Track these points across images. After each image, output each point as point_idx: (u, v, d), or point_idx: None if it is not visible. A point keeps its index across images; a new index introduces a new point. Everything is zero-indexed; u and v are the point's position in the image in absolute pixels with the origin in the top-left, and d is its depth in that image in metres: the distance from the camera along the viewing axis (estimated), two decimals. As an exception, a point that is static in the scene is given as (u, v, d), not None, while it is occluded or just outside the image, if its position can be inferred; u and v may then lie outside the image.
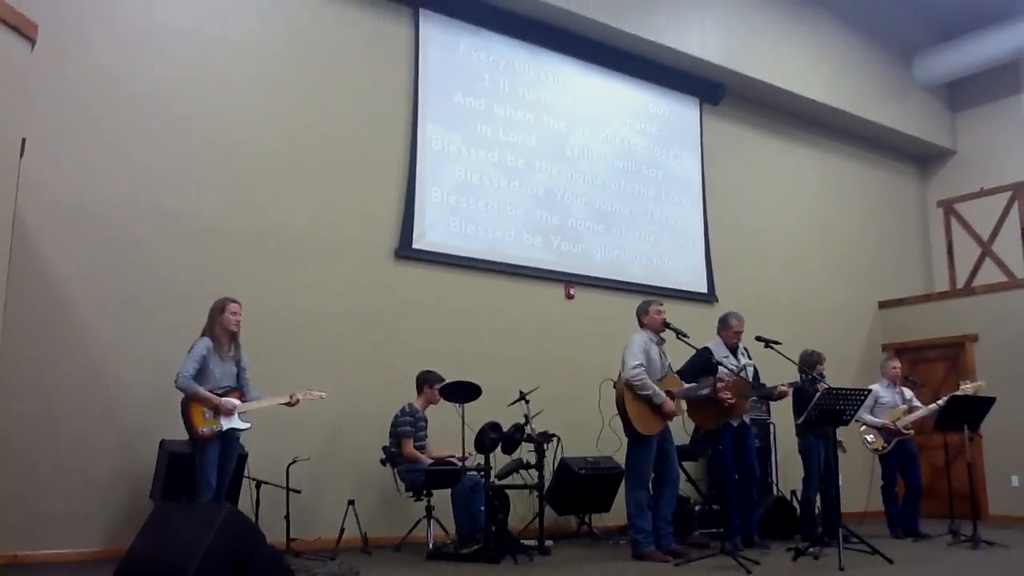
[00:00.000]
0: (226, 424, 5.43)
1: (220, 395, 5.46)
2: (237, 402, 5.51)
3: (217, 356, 5.52)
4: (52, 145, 6.24)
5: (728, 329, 7.08)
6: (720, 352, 6.85)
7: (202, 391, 5.38)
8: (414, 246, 7.78)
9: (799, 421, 6.61)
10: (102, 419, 6.18)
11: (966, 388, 7.73)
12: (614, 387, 6.40)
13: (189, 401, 5.39)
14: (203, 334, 5.56)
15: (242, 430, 5.54)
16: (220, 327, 5.55)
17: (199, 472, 5.36)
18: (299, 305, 7.11)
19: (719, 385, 6.33)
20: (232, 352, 5.62)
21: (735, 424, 6.87)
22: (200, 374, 5.43)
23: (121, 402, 6.26)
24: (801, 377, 7.14)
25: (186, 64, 6.91)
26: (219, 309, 5.58)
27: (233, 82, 7.12)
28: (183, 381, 5.37)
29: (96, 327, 6.27)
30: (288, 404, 5.77)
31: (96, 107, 6.50)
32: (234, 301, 5.63)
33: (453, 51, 8.34)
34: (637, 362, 6.18)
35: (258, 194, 7.08)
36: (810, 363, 7.49)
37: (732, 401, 6.56)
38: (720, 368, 6.40)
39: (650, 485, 6.34)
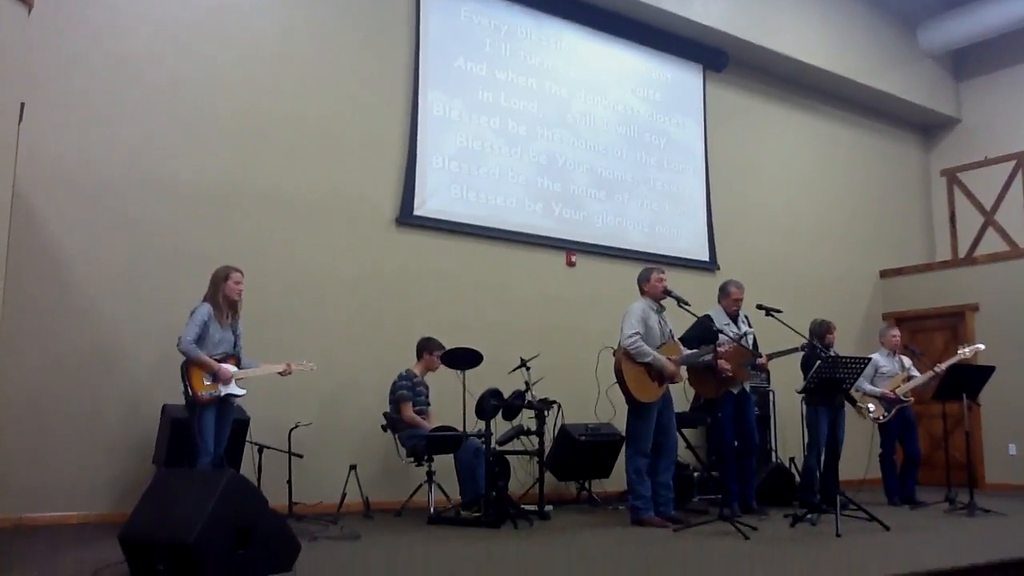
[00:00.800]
0: (224, 390, 5.49)
1: (218, 361, 5.51)
2: (235, 369, 5.58)
3: (217, 323, 5.57)
4: (51, 113, 6.21)
5: (728, 297, 7.09)
6: (720, 320, 6.87)
7: (204, 356, 5.44)
8: (415, 213, 7.76)
9: (799, 389, 6.63)
10: (105, 385, 6.22)
11: (965, 352, 7.75)
12: (613, 355, 6.41)
13: (190, 365, 5.44)
14: (204, 300, 5.59)
15: (239, 396, 5.59)
16: (223, 295, 5.59)
17: (198, 436, 5.41)
18: (300, 272, 7.11)
19: (719, 351, 6.34)
20: (230, 320, 5.66)
21: (735, 392, 6.90)
22: (199, 339, 5.48)
23: (123, 368, 6.29)
24: (803, 345, 7.15)
25: (186, 30, 6.85)
26: (223, 277, 5.61)
27: (234, 48, 7.05)
28: (185, 345, 5.42)
29: (97, 294, 6.28)
30: (282, 373, 5.82)
31: (95, 75, 6.45)
32: (237, 270, 5.67)
33: (454, 16, 8.26)
34: (633, 331, 6.19)
35: (259, 161, 7.05)
36: (819, 333, 7.48)
37: (731, 374, 6.58)
38: (720, 335, 6.41)
39: (650, 452, 6.37)
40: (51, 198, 6.19)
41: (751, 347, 6.98)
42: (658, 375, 6.25)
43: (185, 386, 5.43)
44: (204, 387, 5.43)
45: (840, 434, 7.27)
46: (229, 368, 5.53)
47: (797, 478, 7.93)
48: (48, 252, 6.14)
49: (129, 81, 6.57)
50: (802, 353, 7.24)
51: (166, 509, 3.96)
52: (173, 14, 6.81)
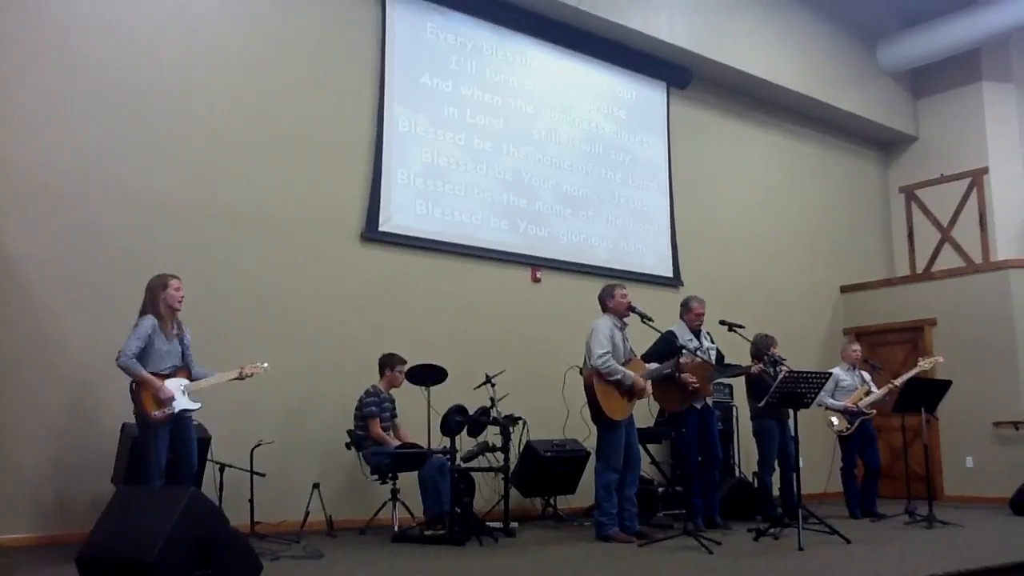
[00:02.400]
0: (177, 406, 5.26)
1: (167, 375, 5.28)
2: (186, 381, 5.33)
3: (163, 335, 5.32)
4: (9, 119, 6.12)
5: (690, 312, 7.15)
6: (683, 335, 6.92)
7: (144, 373, 5.18)
8: (380, 228, 7.74)
9: (760, 404, 6.69)
10: (62, 401, 6.10)
11: (924, 364, 7.90)
12: (581, 374, 6.44)
13: (137, 384, 5.20)
14: (145, 312, 5.34)
15: (193, 410, 5.37)
16: (164, 305, 5.34)
17: (151, 457, 5.18)
18: (264, 287, 7.05)
19: (682, 364, 6.40)
20: (176, 330, 5.42)
21: (698, 407, 6.96)
22: (144, 354, 5.22)
23: (82, 384, 6.17)
24: (764, 360, 7.23)
25: (148, 39, 6.78)
26: (162, 286, 5.36)
27: (197, 59, 7.00)
28: (125, 360, 5.14)
29: (55, 307, 6.17)
30: (238, 378, 5.61)
31: (55, 82, 6.35)
32: (175, 277, 5.43)
33: (420, 32, 8.28)
34: (604, 350, 6.23)
35: (222, 174, 7.00)
36: (764, 345, 7.55)
37: (696, 385, 6.64)
38: (684, 351, 6.47)
39: (621, 468, 6.38)
40: (8, 207, 6.07)
41: (714, 362, 7.04)
42: (627, 392, 6.29)
43: (136, 406, 5.22)
44: (156, 406, 5.19)
45: (789, 447, 7.33)
46: (169, 387, 5.24)
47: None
48: (4, 264, 6.01)
49: (87, 83, 6.45)
50: (752, 370, 7.33)
51: (126, 528, 3.91)
52: (135, 18, 6.72)
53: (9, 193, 6.09)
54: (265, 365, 5.77)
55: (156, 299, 5.36)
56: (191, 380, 5.41)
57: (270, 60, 7.38)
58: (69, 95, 6.41)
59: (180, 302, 5.41)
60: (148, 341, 5.25)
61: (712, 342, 7.21)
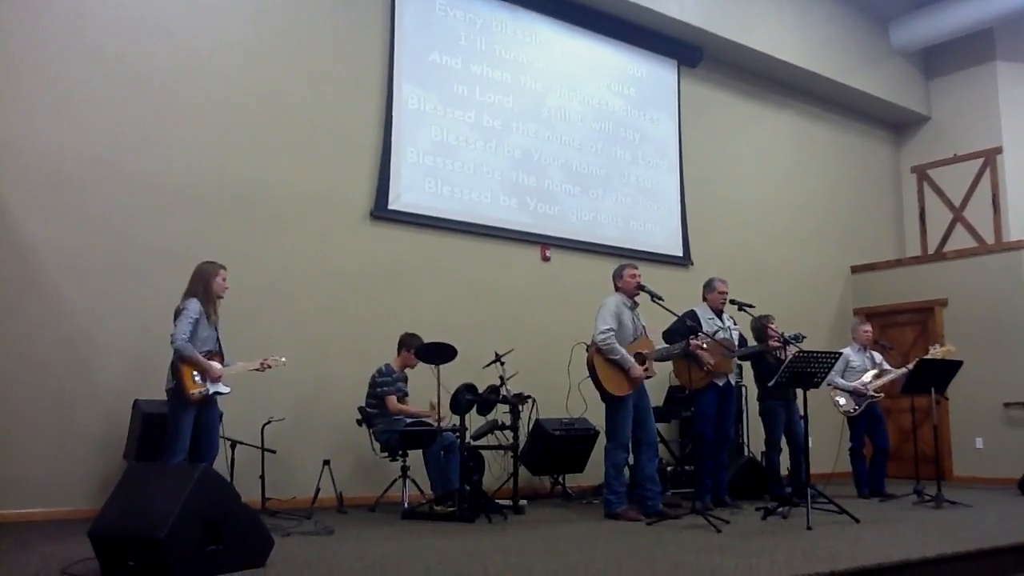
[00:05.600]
0: (213, 388, 5.41)
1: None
2: (220, 366, 5.49)
3: (205, 320, 5.43)
4: (23, 107, 6.14)
5: (713, 291, 7.14)
6: (705, 316, 6.93)
7: (197, 355, 5.33)
8: (390, 207, 7.73)
9: (770, 384, 6.67)
10: (76, 381, 6.14)
11: (935, 352, 7.85)
12: (586, 350, 6.43)
13: (182, 362, 5.31)
14: (190, 295, 5.44)
15: (224, 393, 5.52)
16: (213, 292, 5.47)
17: (176, 435, 5.29)
18: (274, 266, 7.06)
19: (694, 343, 6.38)
20: (214, 317, 5.53)
21: (720, 384, 6.94)
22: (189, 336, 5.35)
23: (94, 364, 6.22)
24: (781, 337, 7.20)
25: (157, 23, 6.76)
26: (212, 274, 5.48)
27: (206, 42, 6.98)
28: (180, 343, 5.27)
29: (69, 290, 6.20)
30: (258, 369, 5.76)
31: (65, 65, 6.36)
32: (223, 267, 5.55)
33: (429, 9, 8.23)
34: (607, 327, 6.21)
35: (232, 155, 6.99)
36: (763, 326, 7.48)
37: (712, 363, 6.62)
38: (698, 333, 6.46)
39: (630, 445, 6.39)
40: (18, 189, 6.09)
41: (735, 342, 7.03)
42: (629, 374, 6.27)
43: (176, 383, 5.30)
44: (194, 386, 5.32)
45: (797, 427, 7.32)
46: (218, 366, 5.45)
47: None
48: (15, 244, 6.04)
49: (99, 72, 6.47)
50: (760, 347, 7.31)
51: (137, 504, 3.92)
52: (145, 9, 6.72)
53: (20, 180, 6.11)
54: (283, 360, 5.90)
55: (206, 285, 5.46)
56: (223, 366, 5.54)
57: (278, 41, 7.34)
58: (80, 84, 6.41)
59: (224, 291, 5.54)
60: (195, 325, 5.35)
61: (734, 323, 7.19)
